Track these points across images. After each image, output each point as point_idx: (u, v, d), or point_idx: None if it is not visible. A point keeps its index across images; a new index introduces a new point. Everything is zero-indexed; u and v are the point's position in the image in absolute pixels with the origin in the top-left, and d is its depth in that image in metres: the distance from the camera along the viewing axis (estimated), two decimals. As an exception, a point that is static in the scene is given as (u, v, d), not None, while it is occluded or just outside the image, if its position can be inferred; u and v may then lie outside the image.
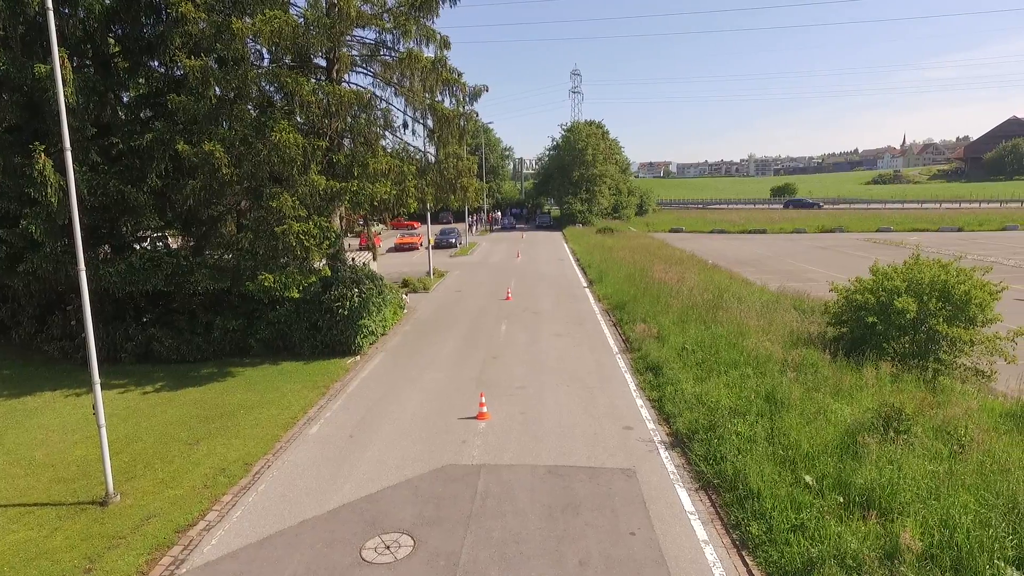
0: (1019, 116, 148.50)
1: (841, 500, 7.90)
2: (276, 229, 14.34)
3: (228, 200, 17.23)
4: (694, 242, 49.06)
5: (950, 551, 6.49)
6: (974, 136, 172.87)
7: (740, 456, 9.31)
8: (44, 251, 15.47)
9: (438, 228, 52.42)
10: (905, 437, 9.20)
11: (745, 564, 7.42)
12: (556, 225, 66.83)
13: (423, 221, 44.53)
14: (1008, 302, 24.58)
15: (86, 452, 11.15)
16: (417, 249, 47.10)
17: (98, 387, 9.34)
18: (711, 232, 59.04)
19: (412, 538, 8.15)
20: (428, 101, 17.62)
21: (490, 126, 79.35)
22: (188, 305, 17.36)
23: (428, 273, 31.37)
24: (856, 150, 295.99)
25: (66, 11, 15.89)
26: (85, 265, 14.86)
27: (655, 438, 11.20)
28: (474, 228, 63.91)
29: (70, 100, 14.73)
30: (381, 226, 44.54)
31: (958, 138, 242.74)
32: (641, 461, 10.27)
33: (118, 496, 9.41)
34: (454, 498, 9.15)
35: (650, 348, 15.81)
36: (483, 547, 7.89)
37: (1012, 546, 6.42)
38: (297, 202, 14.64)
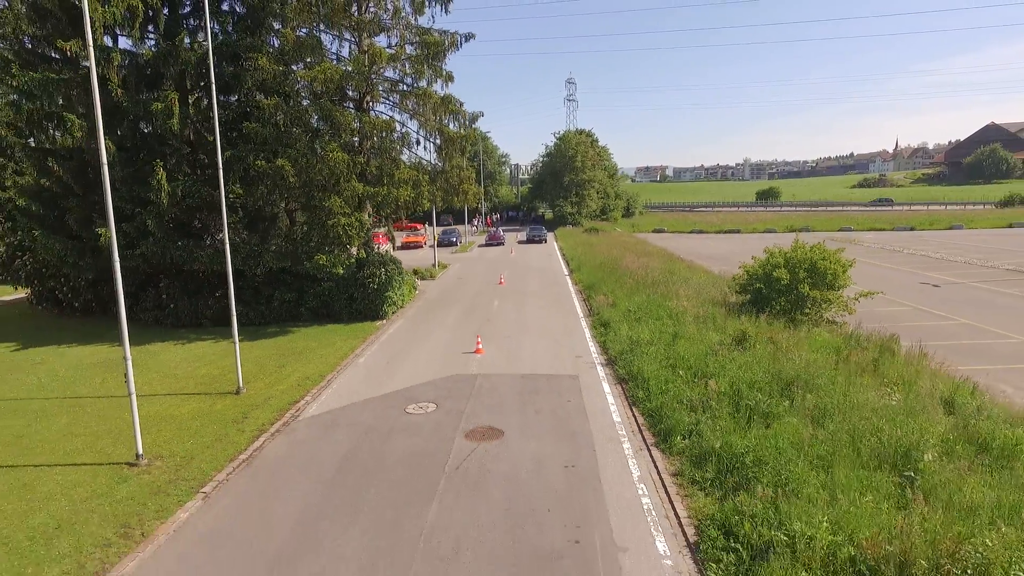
0: (997, 122, 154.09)
1: (694, 378, 13.17)
2: (328, 222, 19.64)
3: (285, 202, 22.52)
4: (672, 240, 54.37)
5: (735, 392, 11.76)
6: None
7: (643, 362, 14.56)
8: (153, 239, 20.74)
9: (440, 229, 57.64)
10: (746, 348, 14.48)
11: (631, 409, 12.70)
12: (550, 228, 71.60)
13: (426, 222, 49.71)
14: (914, 286, 30.01)
15: (209, 371, 16.42)
16: (421, 247, 52.38)
17: (234, 317, 14.60)
18: (690, 232, 64.33)
19: (436, 404, 13.42)
20: (437, 125, 22.91)
21: (487, 134, 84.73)
22: (253, 282, 22.62)
23: (434, 265, 36.66)
24: (851, 154, 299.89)
25: (168, 59, 21.21)
26: (182, 251, 20.20)
27: (596, 361, 16.50)
28: (476, 227, 69.13)
29: (175, 128, 20.17)
30: (384, 227, 49.93)
31: (950, 142, 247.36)
32: (583, 372, 15.55)
33: (245, 389, 14.66)
34: (460, 387, 14.44)
35: (604, 311, 21.09)
36: (479, 407, 13.16)
37: (775, 389, 11.71)
38: (343, 202, 19.93)
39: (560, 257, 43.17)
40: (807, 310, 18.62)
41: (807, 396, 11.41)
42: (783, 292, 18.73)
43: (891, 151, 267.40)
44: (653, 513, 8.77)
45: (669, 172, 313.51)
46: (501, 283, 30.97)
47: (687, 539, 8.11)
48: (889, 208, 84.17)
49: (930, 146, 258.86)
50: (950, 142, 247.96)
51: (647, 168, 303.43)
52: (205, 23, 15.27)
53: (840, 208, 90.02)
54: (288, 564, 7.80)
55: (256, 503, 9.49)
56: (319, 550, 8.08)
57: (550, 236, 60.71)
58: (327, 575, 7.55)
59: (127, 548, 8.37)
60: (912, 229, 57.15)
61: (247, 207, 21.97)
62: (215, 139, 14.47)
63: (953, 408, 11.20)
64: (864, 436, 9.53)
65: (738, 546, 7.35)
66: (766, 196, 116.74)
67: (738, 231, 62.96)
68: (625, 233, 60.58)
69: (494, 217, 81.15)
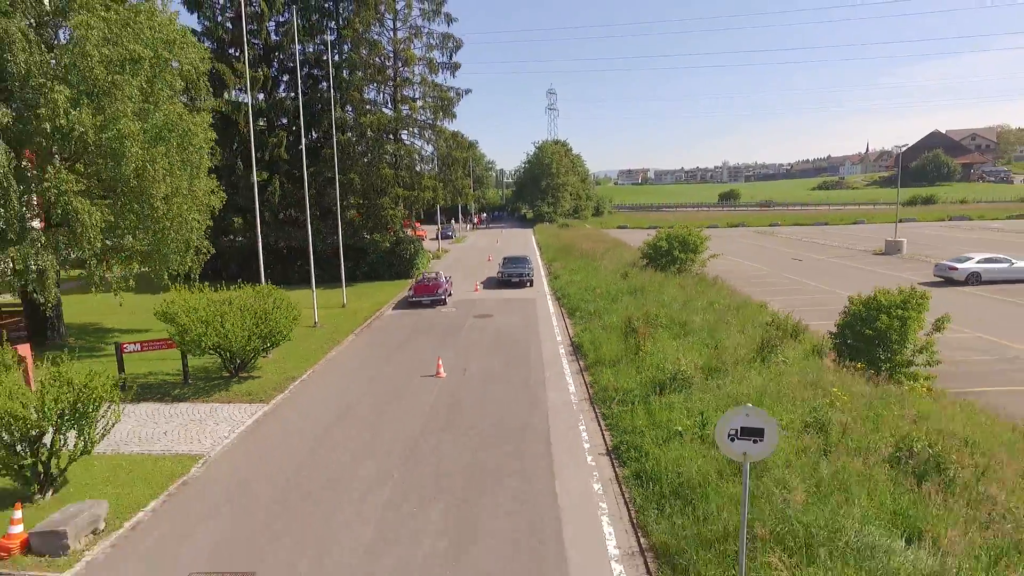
0: (941, 130, 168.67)
1: (592, 292, 24.66)
2: (381, 213, 30.97)
3: (342, 201, 33.73)
4: (629, 234, 66.08)
5: (609, 293, 23.32)
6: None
7: (571, 290, 26.06)
8: (266, 225, 31.85)
9: (441, 225, 68.89)
10: (626, 279, 26.10)
11: (561, 308, 24.29)
12: (530, 225, 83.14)
13: (424, 220, 60.99)
14: (786, 260, 41.81)
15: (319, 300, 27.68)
16: (422, 240, 63.65)
17: (343, 272, 25.88)
18: (647, 228, 75.89)
19: (456, 308, 24.88)
20: (446, 150, 34.33)
21: (476, 143, 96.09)
22: (323, 255, 33.81)
23: (437, 249, 48.02)
24: (828, 156, 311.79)
25: (275, 108, 32.37)
26: (281, 233, 31.29)
27: (546, 293, 28.06)
28: (468, 226, 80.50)
29: (283, 155, 31.43)
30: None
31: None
32: (539, 298, 27.08)
33: (347, 305, 25.94)
34: (468, 303, 25.92)
35: (558, 271, 32.63)
36: (479, 309, 24.65)
37: (627, 291, 23.30)
38: (389, 200, 31.27)
39: (535, 245, 54.72)
40: (677, 265, 30.26)
41: (642, 294, 23.03)
42: (663, 255, 30.38)
43: (860, 154, 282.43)
44: (558, 330, 20.34)
45: (651, 175, 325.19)
46: (488, 260, 42.45)
47: (569, 336, 19.70)
48: (827, 208, 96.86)
49: (903, 149, 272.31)
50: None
51: (629, 171, 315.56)
52: (332, 117, 26.41)
53: (785, 208, 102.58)
54: (404, 344, 19.25)
55: (380, 334, 20.92)
56: (413, 344, 19.52)
57: (530, 231, 71.86)
58: (420, 349, 18.98)
59: (330, 346, 19.70)
60: (826, 224, 69.43)
61: (321, 205, 33.20)
62: (335, 166, 25.71)
63: (731, 304, 22.78)
64: (663, 304, 21.15)
65: (586, 333, 18.84)
66: (727, 197, 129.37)
67: (688, 227, 74.75)
68: (592, 228, 72.26)
69: (482, 216, 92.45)
